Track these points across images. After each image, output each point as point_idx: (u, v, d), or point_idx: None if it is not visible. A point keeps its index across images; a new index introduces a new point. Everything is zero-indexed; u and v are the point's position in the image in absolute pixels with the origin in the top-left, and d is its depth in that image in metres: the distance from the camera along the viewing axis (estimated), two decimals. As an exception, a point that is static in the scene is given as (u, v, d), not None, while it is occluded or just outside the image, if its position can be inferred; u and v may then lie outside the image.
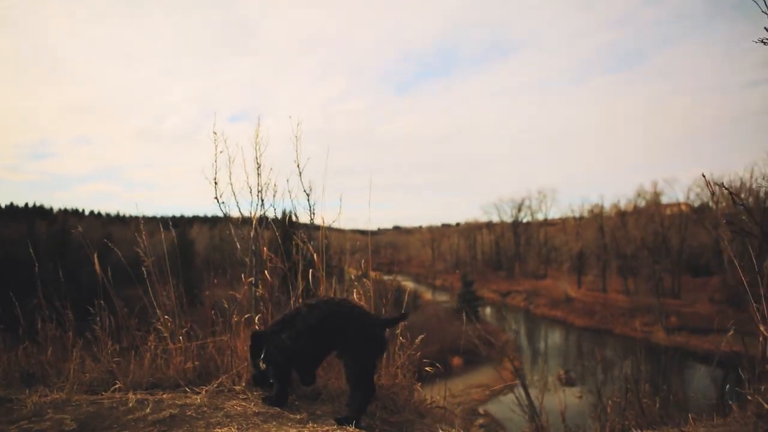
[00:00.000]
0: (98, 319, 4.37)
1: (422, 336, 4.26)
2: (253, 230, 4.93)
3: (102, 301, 4.38)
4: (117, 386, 3.75)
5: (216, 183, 5.07)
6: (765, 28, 3.52)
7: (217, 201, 5.10)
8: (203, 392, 3.69)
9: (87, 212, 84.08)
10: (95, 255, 4.67)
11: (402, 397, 3.95)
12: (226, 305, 4.45)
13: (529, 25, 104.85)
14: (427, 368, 4.24)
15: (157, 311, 4.40)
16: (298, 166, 5.05)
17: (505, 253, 75.35)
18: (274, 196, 5.09)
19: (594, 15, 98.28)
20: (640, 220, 56.32)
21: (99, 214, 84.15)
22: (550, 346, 50.53)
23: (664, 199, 56.16)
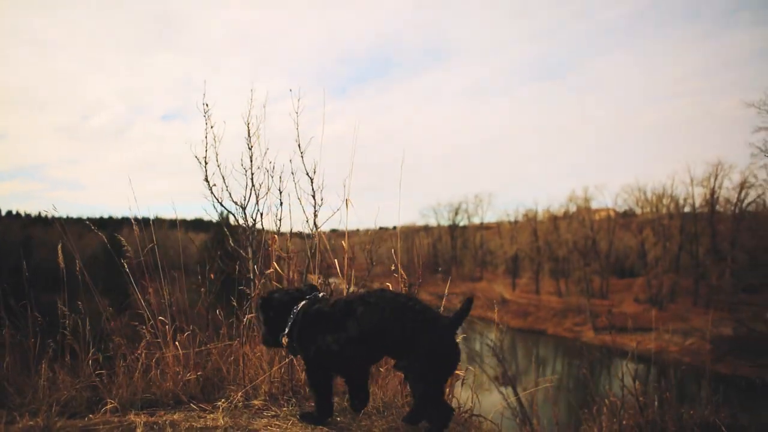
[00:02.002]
0: (67, 323, 3.59)
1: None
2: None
3: (80, 303, 3.60)
4: (109, 405, 3.00)
5: (206, 163, 4.45)
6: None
7: (207, 183, 4.45)
8: (219, 410, 3.03)
9: (4, 212, 77.22)
10: (59, 248, 3.90)
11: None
12: (234, 304, 3.79)
13: (463, 32, 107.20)
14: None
15: (145, 312, 3.67)
16: (299, 146, 4.50)
17: (442, 256, 76.11)
18: (272, 176, 4.50)
19: (526, 24, 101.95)
20: (571, 224, 58.49)
21: (18, 214, 77.45)
22: (486, 347, 51.36)
23: (594, 205, 58.71)
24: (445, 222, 76.87)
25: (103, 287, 4.04)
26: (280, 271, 4.00)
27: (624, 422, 6.68)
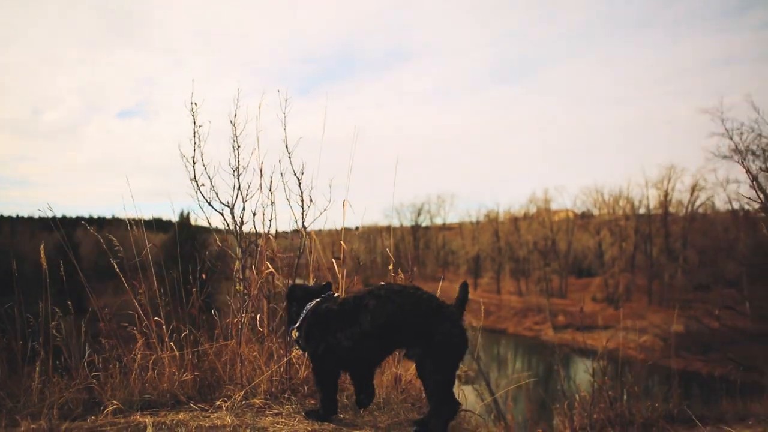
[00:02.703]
0: (60, 324, 3.53)
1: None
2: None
3: (69, 302, 3.55)
4: (111, 407, 2.99)
5: (195, 163, 4.43)
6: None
7: (196, 183, 4.43)
8: (223, 409, 3.06)
9: (-56, 210, 72.85)
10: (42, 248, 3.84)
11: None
12: (230, 304, 3.80)
13: (427, 34, 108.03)
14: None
15: (139, 312, 3.65)
16: (286, 147, 4.55)
17: (405, 256, 76.51)
18: (262, 176, 4.53)
19: (489, 28, 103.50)
20: (532, 225, 59.88)
21: (-40, 214, 73.44)
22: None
23: (554, 206, 60.23)
24: (407, 222, 77.38)
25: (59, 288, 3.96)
26: (274, 270, 4.03)
27: (595, 416, 6.97)
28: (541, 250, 57.30)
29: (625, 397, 6.93)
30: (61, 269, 3.91)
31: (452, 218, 75.40)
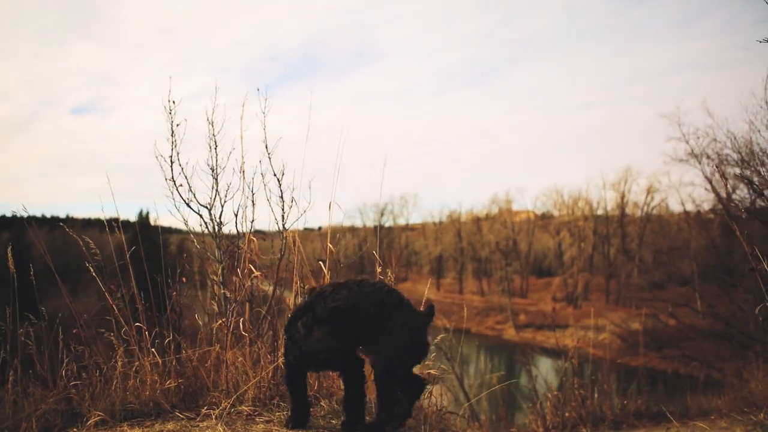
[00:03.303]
0: (31, 330, 3.37)
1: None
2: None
3: (42, 309, 3.39)
4: (95, 418, 2.87)
5: (172, 162, 4.32)
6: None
7: (174, 182, 4.32)
8: (212, 418, 2.98)
9: None
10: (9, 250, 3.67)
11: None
12: (214, 308, 3.70)
13: (391, 35, 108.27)
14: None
15: (118, 318, 3.52)
16: (266, 147, 4.49)
17: (368, 257, 76.72)
18: (242, 177, 4.45)
19: (453, 31, 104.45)
20: (493, 225, 60.83)
21: None
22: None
23: (515, 207, 61.34)
24: (370, 223, 77.42)
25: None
26: (255, 271, 3.96)
27: (567, 414, 7.14)
28: (502, 251, 58.26)
29: (596, 395, 7.13)
30: (31, 272, 3.73)
31: (415, 219, 75.87)
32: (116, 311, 3.49)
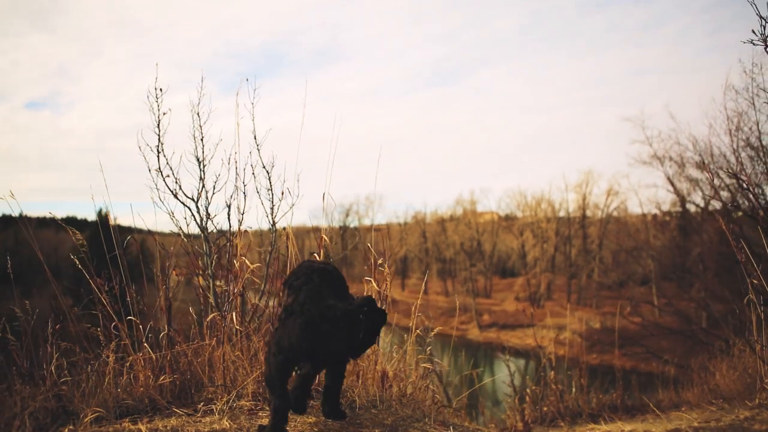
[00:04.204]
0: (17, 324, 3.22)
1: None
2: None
3: (27, 302, 3.23)
4: (91, 415, 2.74)
5: (159, 152, 4.20)
6: (752, 31, 3.93)
7: (160, 173, 4.19)
8: (215, 413, 2.90)
9: None
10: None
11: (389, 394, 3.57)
12: (210, 301, 3.60)
13: (358, 35, 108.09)
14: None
15: (106, 311, 3.39)
16: (255, 138, 4.43)
17: (333, 257, 76.26)
18: (229, 170, 4.36)
19: (419, 31, 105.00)
20: (458, 226, 61.44)
21: None
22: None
23: (479, 208, 62.14)
24: (335, 223, 77.20)
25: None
26: (249, 264, 3.89)
27: (545, 409, 7.27)
28: (467, 251, 58.92)
29: (573, 389, 7.28)
30: (9, 267, 3.56)
31: (380, 219, 75.94)
32: (106, 305, 3.35)
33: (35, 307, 3.28)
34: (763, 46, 3.82)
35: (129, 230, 4.53)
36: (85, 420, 2.69)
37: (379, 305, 4.21)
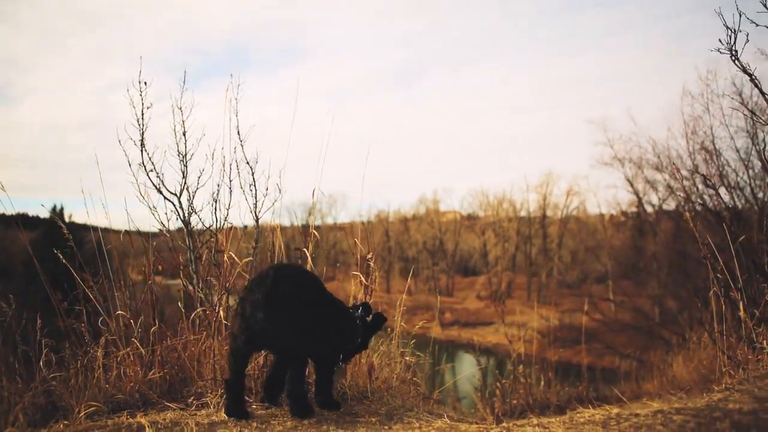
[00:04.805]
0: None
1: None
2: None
3: (11, 297, 3.18)
4: (88, 409, 2.73)
5: (143, 146, 4.18)
6: (719, 40, 4.19)
7: (144, 168, 4.17)
8: (211, 406, 2.93)
9: None
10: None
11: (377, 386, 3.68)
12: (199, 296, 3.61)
13: (323, 34, 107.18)
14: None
15: (94, 305, 3.37)
16: (238, 133, 4.45)
17: (294, 255, 75.75)
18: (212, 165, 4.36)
19: (385, 32, 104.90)
20: (421, 225, 62.00)
21: None
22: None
23: (442, 207, 62.81)
24: (298, 222, 76.70)
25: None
26: (237, 259, 3.92)
27: (514, 402, 7.51)
28: (429, 250, 59.51)
29: (542, 383, 7.56)
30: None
31: (343, 218, 75.96)
32: (93, 300, 3.33)
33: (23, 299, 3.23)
34: (729, 55, 4.07)
35: (84, 228, 4.46)
36: (80, 415, 2.68)
37: (366, 300, 4.32)
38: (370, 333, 3.26)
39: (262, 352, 3.23)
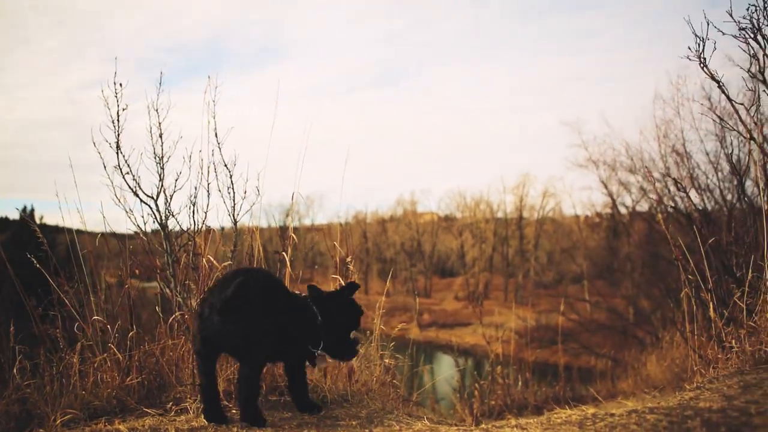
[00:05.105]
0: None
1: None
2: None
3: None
4: (65, 416, 2.69)
5: (119, 148, 4.12)
6: (688, 47, 4.31)
7: (120, 171, 4.11)
8: (190, 411, 2.91)
9: None
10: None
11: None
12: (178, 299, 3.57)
13: (302, 33, 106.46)
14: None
15: (69, 310, 3.32)
16: (216, 135, 4.42)
17: (272, 258, 75.23)
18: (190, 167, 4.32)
19: (365, 31, 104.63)
20: (399, 226, 62.14)
21: None
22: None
23: (420, 208, 63.05)
24: (275, 223, 76.19)
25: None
26: (216, 264, 3.89)
27: (492, 402, 7.60)
28: (407, 251, 59.68)
29: (520, 383, 7.67)
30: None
31: (321, 219, 75.63)
32: (68, 305, 3.27)
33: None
34: (698, 62, 4.19)
35: (56, 230, 4.37)
36: (56, 423, 2.64)
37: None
38: (347, 306, 3.43)
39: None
